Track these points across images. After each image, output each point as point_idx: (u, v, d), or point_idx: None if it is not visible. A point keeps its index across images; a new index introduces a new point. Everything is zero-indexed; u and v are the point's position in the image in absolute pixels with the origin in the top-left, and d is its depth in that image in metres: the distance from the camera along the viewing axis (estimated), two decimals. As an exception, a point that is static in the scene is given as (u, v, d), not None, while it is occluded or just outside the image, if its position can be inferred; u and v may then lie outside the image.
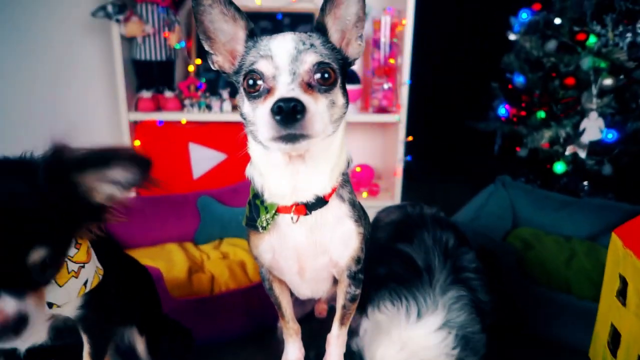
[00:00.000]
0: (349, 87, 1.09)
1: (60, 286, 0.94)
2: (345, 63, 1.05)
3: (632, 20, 2.49)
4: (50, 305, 0.94)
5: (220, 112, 2.70)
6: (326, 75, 0.95)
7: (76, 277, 0.97)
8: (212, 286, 1.95)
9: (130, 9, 2.52)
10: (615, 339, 1.40)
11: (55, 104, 2.88)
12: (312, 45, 0.97)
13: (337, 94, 0.99)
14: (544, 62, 2.71)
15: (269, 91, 0.93)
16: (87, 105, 2.94)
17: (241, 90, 1.00)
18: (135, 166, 0.87)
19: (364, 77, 2.92)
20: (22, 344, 1.01)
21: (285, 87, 0.91)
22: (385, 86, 2.75)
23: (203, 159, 2.81)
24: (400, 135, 2.73)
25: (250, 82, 0.96)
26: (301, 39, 0.97)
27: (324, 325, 1.65)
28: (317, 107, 0.92)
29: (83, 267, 0.99)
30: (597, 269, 1.84)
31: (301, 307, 1.58)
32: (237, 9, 1.01)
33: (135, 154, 0.88)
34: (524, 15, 2.95)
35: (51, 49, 2.82)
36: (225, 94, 2.71)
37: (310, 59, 0.94)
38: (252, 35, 1.03)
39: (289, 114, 0.85)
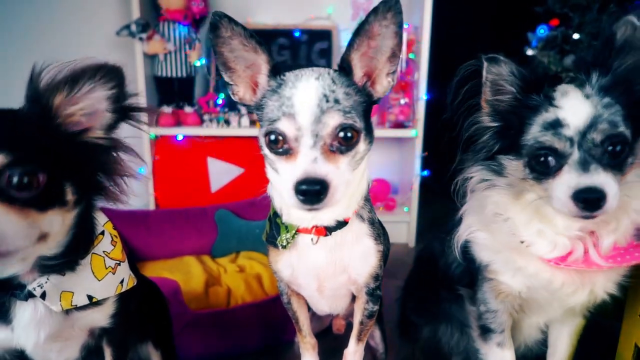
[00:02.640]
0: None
1: (99, 280, 0.97)
2: (370, 102, 1.01)
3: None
4: (90, 298, 0.96)
5: (239, 127, 2.74)
6: (349, 135, 0.91)
7: (113, 274, 1.00)
8: (228, 299, 1.96)
9: (152, 28, 2.60)
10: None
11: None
12: (335, 100, 0.91)
13: (360, 145, 0.95)
14: (562, 77, 2.69)
15: (290, 152, 0.91)
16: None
17: (262, 138, 0.96)
18: (104, 77, 0.86)
19: (380, 93, 2.94)
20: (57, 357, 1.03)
21: (307, 153, 0.88)
22: (402, 101, 2.76)
23: (221, 173, 2.85)
24: (417, 150, 2.73)
25: (272, 137, 0.92)
26: (325, 92, 0.91)
27: (341, 341, 1.64)
28: (339, 173, 0.90)
29: (119, 264, 1.02)
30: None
31: (318, 322, 1.58)
32: (259, 41, 0.96)
33: (102, 65, 0.86)
34: (542, 31, 2.95)
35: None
36: (243, 109, 2.76)
37: (334, 121, 0.90)
38: (276, 70, 0.98)
39: (313, 197, 0.85)
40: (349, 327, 1.42)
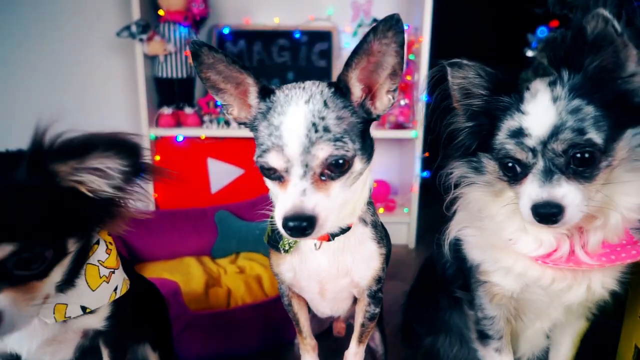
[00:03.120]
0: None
1: (93, 290, 0.96)
2: (368, 120, 0.97)
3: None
4: (84, 309, 0.95)
5: (239, 127, 2.73)
6: (340, 162, 0.89)
7: (107, 283, 0.99)
8: (228, 300, 1.96)
9: (153, 29, 2.60)
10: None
11: (79, 120, 2.95)
12: (325, 129, 0.87)
13: (354, 167, 0.93)
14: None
15: (282, 179, 0.91)
16: (110, 121, 3.02)
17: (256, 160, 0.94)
18: (118, 154, 0.79)
19: (380, 94, 2.94)
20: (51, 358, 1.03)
21: (296, 186, 0.87)
22: (402, 102, 2.76)
23: (221, 174, 2.85)
24: (417, 151, 2.73)
25: (261, 167, 0.92)
26: (313, 119, 0.87)
27: (341, 342, 1.64)
28: (330, 201, 0.89)
29: (113, 272, 1.01)
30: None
31: (319, 324, 1.58)
32: (243, 66, 0.94)
33: (117, 140, 0.80)
34: (542, 32, 2.95)
35: (77, 67, 2.92)
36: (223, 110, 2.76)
37: (323, 153, 0.87)
38: (265, 92, 0.95)
39: (299, 231, 0.86)
40: (349, 329, 1.42)
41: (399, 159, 3.13)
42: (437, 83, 1.08)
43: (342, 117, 0.91)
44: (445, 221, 1.29)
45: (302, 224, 0.85)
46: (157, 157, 2.76)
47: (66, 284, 0.91)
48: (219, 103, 3.04)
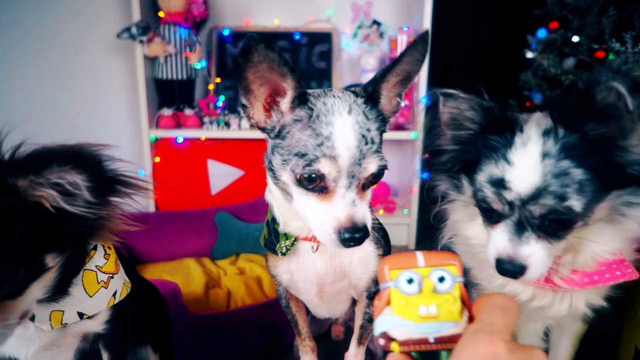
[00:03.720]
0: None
1: (91, 296, 0.95)
2: (385, 125, 0.99)
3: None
4: (81, 315, 0.94)
5: (239, 129, 2.74)
6: (378, 173, 0.92)
7: (106, 288, 0.98)
8: (228, 302, 1.96)
9: (153, 31, 2.61)
10: (640, 362, 1.36)
11: (79, 121, 2.97)
12: (372, 141, 0.89)
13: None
14: (562, 79, 2.70)
15: (325, 191, 0.89)
16: (110, 122, 3.03)
17: (290, 175, 0.91)
18: (76, 167, 0.72)
19: (380, 95, 2.94)
20: None
21: (345, 197, 0.88)
22: (402, 104, 2.76)
23: (221, 175, 2.85)
24: (417, 153, 2.73)
25: (308, 177, 0.88)
26: (362, 130, 0.88)
27: (340, 344, 1.64)
28: (368, 206, 0.92)
29: (112, 277, 1.00)
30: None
31: (318, 325, 1.58)
32: (291, 68, 0.87)
33: (76, 152, 0.73)
34: (542, 33, 2.95)
35: (77, 68, 2.92)
36: (243, 111, 2.76)
37: (373, 167, 0.90)
38: (303, 99, 0.90)
39: (357, 241, 0.87)
40: (348, 331, 1.42)
41: (399, 161, 3.14)
42: (428, 108, 1.07)
43: (378, 128, 0.93)
44: (440, 227, 1.30)
45: (360, 234, 0.86)
46: (157, 159, 2.76)
47: (58, 294, 0.89)
48: (218, 104, 3.01)
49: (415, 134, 2.70)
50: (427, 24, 2.57)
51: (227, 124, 2.75)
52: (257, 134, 2.68)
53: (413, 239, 2.85)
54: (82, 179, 0.74)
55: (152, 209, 2.80)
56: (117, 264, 1.04)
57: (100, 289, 0.97)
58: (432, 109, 1.05)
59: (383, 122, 0.96)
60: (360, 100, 0.93)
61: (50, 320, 0.91)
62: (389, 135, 2.82)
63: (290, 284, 1.16)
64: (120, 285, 1.03)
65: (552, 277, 1.05)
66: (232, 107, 2.84)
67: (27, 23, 2.84)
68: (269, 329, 1.78)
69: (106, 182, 0.77)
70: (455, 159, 1.08)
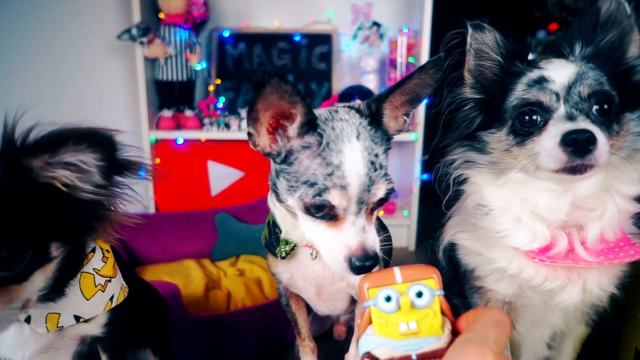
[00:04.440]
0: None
1: (87, 299, 0.94)
2: (389, 142, 0.97)
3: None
4: (77, 318, 0.94)
5: (239, 130, 2.74)
6: (388, 197, 0.91)
7: (103, 291, 0.97)
8: (228, 303, 1.95)
9: (153, 32, 2.61)
10: (640, 364, 1.35)
11: (79, 122, 2.97)
12: (381, 166, 0.88)
13: None
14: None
15: (335, 218, 0.88)
16: (110, 123, 3.01)
17: (298, 200, 0.89)
18: (91, 146, 0.74)
19: (380, 96, 2.94)
20: None
21: (355, 224, 0.87)
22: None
23: (221, 177, 2.85)
24: (417, 154, 2.73)
25: (316, 206, 0.87)
26: (370, 157, 0.87)
27: (341, 345, 1.64)
28: (375, 230, 0.91)
29: (109, 281, 0.99)
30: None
31: (319, 325, 1.58)
32: (303, 97, 0.85)
33: (90, 133, 0.75)
34: (541, 35, 2.96)
35: (77, 69, 2.93)
36: (243, 112, 2.76)
37: (381, 193, 0.88)
38: (313, 124, 0.87)
39: (367, 269, 0.85)
40: (350, 331, 1.42)
41: (399, 162, 3.14)
42: (447, 54, 1.10)
43: (384, 150, 0.92)
44: (441, 226, 1.29)
45: (371, 262, 0.85)
46: (158, 160, 2.76)
47: (55, 292, 0.88)
48: (219, 105, 3.00)
49: (415, 135, 2.70)
50: (426, 25, 2.58)
51: (227, 125, 2.75)
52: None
53: (413, 240, 2.85)
54: (96, 158, 0.76)
55: (152, 210, 2.80)
56: (115, 268, 1.03)
57: (97, 292, 0.96)
58: (451, 51, 1.10)
59: (388, 141, 0.94)
60: (365, 122, 0.91)
61: (46, 322, 0.90)
62: (389, 136, 2.82)
63: (289, 283, 1.17)
64: (118, 289, 1.02)
65: (576, 246, 1.04)
66: (232, 108, 2.84)
67: (27, 24, 2.84)
68: (269, 330, 1.78)
69: (117, 164, 0.79)
70: (477, 106, 1.10)
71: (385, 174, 0.89)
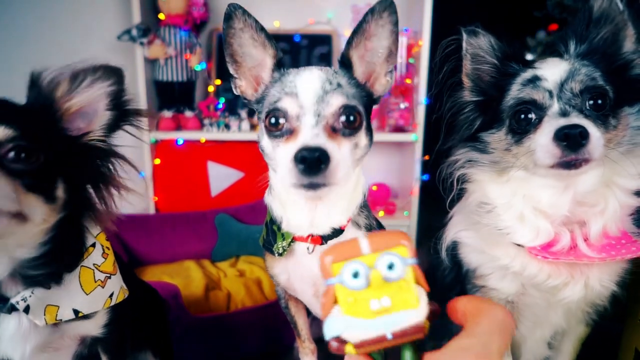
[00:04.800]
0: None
1: (87, 294, 0.95)
2: (370, 100, 1.01)
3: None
4: (76, 313, 0.94)
5: (239, 131, 2.74)
6: (351, 119, 0.91)
7: (102, 287, 0.98)
8: (228, 303, 1.95)
9: (153, 33, 2.61)
10: (641, 364, 1.35)
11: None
12: (338, 84, 0.92)
13: (361, 136, 0.95)
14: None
15: (291, 132, 0.90)
16: (110, 125, 3.02)
17: (262, 125, 0.96)
18: (105, 74, 0.91)
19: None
20: None
21: (309, 131, 0.87)
22: (402, 106, 2.76)
23: (221, 177, 2.85)
24: (417, 155, 2.73)
25: (273, 120, 0.91)
26: (328, 77, 0.92)
27: (340, 345, 1.63)
28: (341, 153, 0.88)
29: (109, 278, 1.00)
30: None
31: (319, 327, 1.57)
32: (268, 35, 0.98)
33: (103, 65, 0.91)
34: (541, 36, 2.96)
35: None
36: (243, 113, 2.76)
37: (337, 101, 0.90)
38: (280, 65, 1.00)
39: (313, 164, 0.82)
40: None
41: (399, 162, 3.14)
42: (444, 60, 1.14)
43: (350, 84, 0.96)
44: (443, 225, 1.29)
45: (315, 154, 0.82)
46: (157, 161, 2.76)
47: (53, 269, 0.89)
48: (219, 106, 3.01)
49: (415, 136, 2.70)
50: (426, 26, 2.57)
51: (227, 126, 2.75)
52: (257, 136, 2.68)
53: (413, 240, 2.85)
54: (109, 84, 0.92)
55: (152, 210, 2.80)
56: (115, 266, 1.03)
57: (96, 287, 0.97)
58: (448, 58, 1.13)
59: (359, 86, 0.98)
60: (334, 67, 0.99)
61: (45, 314, 0.90)
62: (388, 137, 2.83)
63: (287, 285, 1.17)
64: (117, 287, 1.02)
65: (579, 242, 1.05)
66: (232, 109, 2.84)
67: (26, 24, 2.84)
68: (269, 331, 1.78)
69: (123, 100, 0.94)
70: (476, 108, 1.13)
71: (346, 93, 0.92)
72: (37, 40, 2.86)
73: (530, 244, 1.07)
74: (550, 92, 1.00)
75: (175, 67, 2.69)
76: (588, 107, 0.99)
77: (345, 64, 1.00)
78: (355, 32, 0.98)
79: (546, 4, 2.76)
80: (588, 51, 1.05)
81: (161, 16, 2.65)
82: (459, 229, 1.23)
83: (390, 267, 0.50)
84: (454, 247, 1.26)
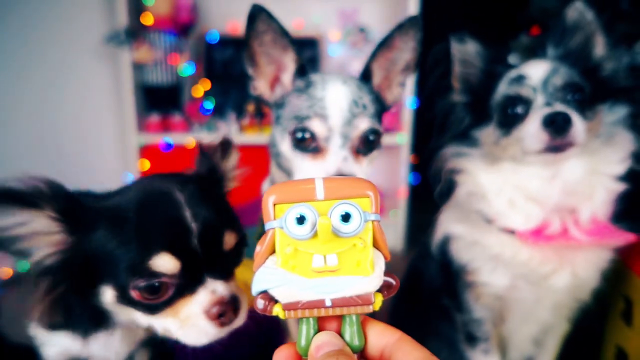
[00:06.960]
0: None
1: None
2: (383, 109, 1.05)
3: (630, 42, 2.54)
4: None
5: (239, 132, 2.74)
6: (372, 139, 0.96)
7: None
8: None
9: (140, 36, 2.60)
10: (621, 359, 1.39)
11: (65, 126, 2.94)
12: (364, 106, 0.95)
13: (376, 152, 1.01)
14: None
15: (318, 150, 0.93)
16: (97, 128, 3.00)
17: (285, 133, 0.97)
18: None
19: (367, 100, 2.97)
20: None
21: (337, 152, 0.92)
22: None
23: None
24: (404, 156, 2.77)
25: (300, 135, 0.94)
26: (354, 98, 0.94)
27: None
28: (362, 172, 0.95)
29: None
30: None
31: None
32: (291, 39, 0.98)
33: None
34: (523, 40, 3.01)
35: (62, 74, 2.89)
36: (232, 116, 2.76)
37: (363, 125, 0.95)
38: (303, 71, 1.00)
39: None
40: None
41: (387, 165, 3.16)
42: (435, 65, 1.21)
43: (372, 100, 0.99)
44: (432, 222, 1.32)
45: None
46: (147, 164, 2.75)
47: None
48: (207, 108, 2.99)
49: (402, 138, 2.73)
50: (412, 29, 2.61)
51: (216, 129, 2.74)
52: (246, 139, 2.68)
53: (400, 240, 2.88)
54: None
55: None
56: None
57: None
58: (438, 63, 1.19)
59: (377, 100, 1.01)
60: (356, 78, 1.01)
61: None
62: (376, 139, 2.85)
63: None
64: None
65: (569, 226, 1.11)
66: (221, 111, 2.84)
67: (10, 29, 2.80)
68: (262, 335, 1.78)
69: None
70: (466, 107, 1.20)
71: (370, 115, 0.95)
72: (21, 46, 2.82)
73: (521, 227, 1.12)
74: (534, 89, 1.09)
75: (163, 70, 2.69)
76: (569, 99, 1.08)
77: (367, 76, 1.03)
78: (380, 46, 1.01)
79: (528, 7, 2.82)
80: (564, 54, 1.16)
81: (147, 20, 2.64)
82: (450, 223, 1.27)
83: (346, 219, 0.40)
84: (443, 250, 1.28)
